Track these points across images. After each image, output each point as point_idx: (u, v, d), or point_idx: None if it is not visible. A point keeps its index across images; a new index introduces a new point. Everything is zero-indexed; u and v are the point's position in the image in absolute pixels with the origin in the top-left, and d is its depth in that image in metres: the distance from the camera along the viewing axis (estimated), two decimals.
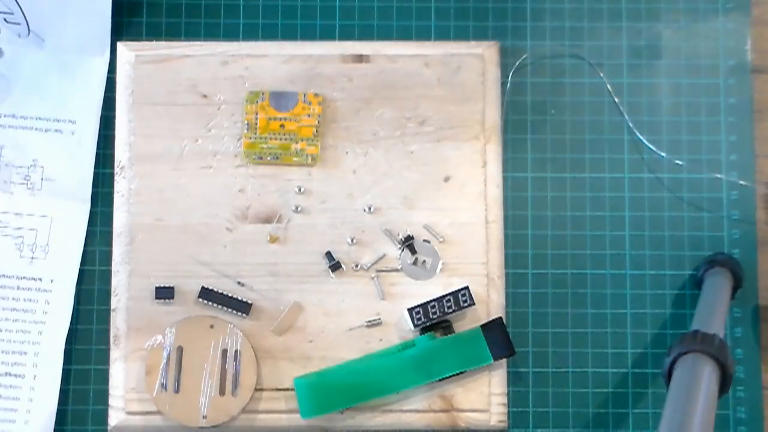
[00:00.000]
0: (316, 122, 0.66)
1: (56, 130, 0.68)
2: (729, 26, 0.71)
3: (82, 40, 0.69)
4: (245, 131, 0.66)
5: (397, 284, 0.66)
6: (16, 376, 0.66)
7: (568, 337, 0.68)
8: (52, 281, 0.67)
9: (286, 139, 0.66)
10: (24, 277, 0.67)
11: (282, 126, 0.66)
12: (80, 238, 0.67)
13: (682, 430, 0.50)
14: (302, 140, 0.66)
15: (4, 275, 0.67)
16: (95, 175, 0.68)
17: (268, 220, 0.67)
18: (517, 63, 0.70)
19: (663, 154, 0.69)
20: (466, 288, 0.65)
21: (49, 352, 0.66)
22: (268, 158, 0.66)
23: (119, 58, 0.68)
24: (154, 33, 0.69)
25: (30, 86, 0.69)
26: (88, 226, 0.68)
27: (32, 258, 0.67)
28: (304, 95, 0.66)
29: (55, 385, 0.66)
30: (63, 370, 0.66)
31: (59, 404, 0.66)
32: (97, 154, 0.69)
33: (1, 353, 0.66)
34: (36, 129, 0.68)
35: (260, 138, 0.66)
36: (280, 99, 0.66)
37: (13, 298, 0.67)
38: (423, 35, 0.70)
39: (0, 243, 0.67)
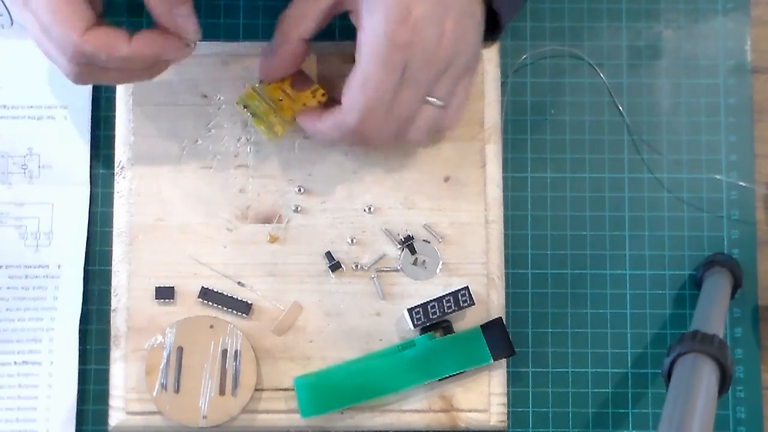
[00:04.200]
0: (299, 109, 0.63)
1: (49, 117, 0.68)
2: (729, 26, 0.71)
3: None
4: (259, 83, 0.64)
5: (397, 284, 0.66)
6: (33, 363, 0.66)
7: (568, 337, 0.68)
8: (59, 267, 0.67)
9: (273, 108, 0.64)
10: (31, 266, 0.67)
11: (281, 99, 0.64)
12: (83, 220, 0.68)
13: (681, 430, 0.50)
14: (281, 117, 0.63)
15: (11, 266, 0.67)
16: (95, 175, 0.69)
17: (268, 220, 0.67)
18: (517, 63, 0.70)
19: (663, 154, 0.69)
20: (466, 288, 0.65)
21: (64, 337, 0.66)
22: (248, 113, 0.64)
23: None
24: None
25: (19, 76, 0.69)
26: (88, 226, 0.68)
27: (37, 246, 0.67)
28: (317, 90, 0.64)
29: (73, 368, 0.66)
30: None
31: None
32: (97, 155, 0.69)
33: (15, 342, 0.66)
34: (29, 117, 0.69)
35: (261, 94, 0.64)
36: (300, 77, 0.64)
37: (23, 288, 0.67)
38: None
39: (4, 234, 0.67)
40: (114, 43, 0.55)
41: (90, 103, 0.69)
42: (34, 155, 0.68)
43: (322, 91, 0.63)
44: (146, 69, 0.59)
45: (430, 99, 0.60)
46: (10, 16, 0.68)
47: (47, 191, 0.68)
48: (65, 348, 0.66)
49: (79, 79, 0.57)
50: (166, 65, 0.60)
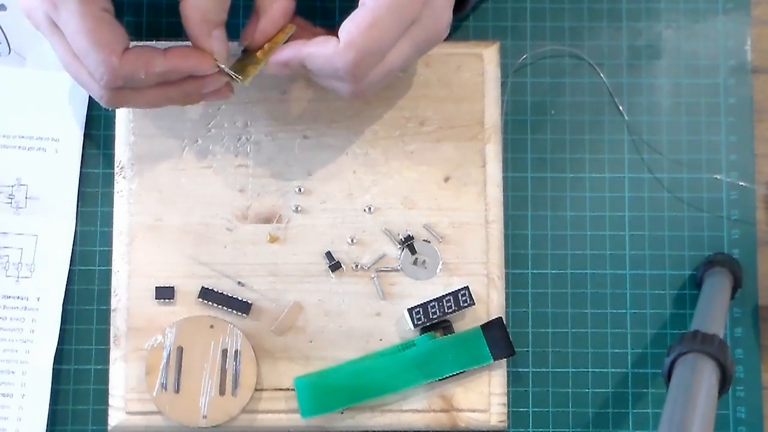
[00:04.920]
0: (269, 46, 0.60)
1: (39, 149, 0.68)
2: (729, 26, 0.71)
3: None
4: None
5: (397, 284, 0.66)
6: (3, 395, 0.66)
7: (568, 337, 0.68)
8: (38, 299, 0.67)
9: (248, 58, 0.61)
10: (10, 296, 0.67)
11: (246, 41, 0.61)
12: (66, 255, 0.67)
13: (681, 430, 0.50)
14: (248, 60, 0.60)
15: None
16: (96, 175, 0.68)
17: (268, 220, 0.67)
18: (517, 63, 0.70)
19: (663, 154, 0.69)
20: (466, 288, 0.65)
21: (37, 370, 0.66)
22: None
23: None
24: (154, 33, 0.69)
25: (12, 104, 0.69)
26: (88, 226, 0.68)
27: (18, 277, 0.67)
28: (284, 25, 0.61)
29: (44, 403, 0.65)
30: (63, 369, 0.66)
31: (59, 404, 0.66)
32: (98, 154, 0.69)
33: None
34: (19, 147, 0.68)
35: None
36: None
37: (0, 317, 0.67)
38: None
39: None
40: (150, 59, 0.56)
41: (82, 138, 0.68)
42: (21, 186, 0.68)
43: (290, 24, 0.60)
44: (178, 93, 0.58)
45: None
46: (8, 44, 0.68)
47: (32, 223, 0.67)
48: (38, 382, 0.66)
49: (112, 101, 0.58)
50: (199, 97, 0.59)
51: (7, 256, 0.67)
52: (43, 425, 0.65)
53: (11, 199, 0.68)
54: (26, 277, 0.67)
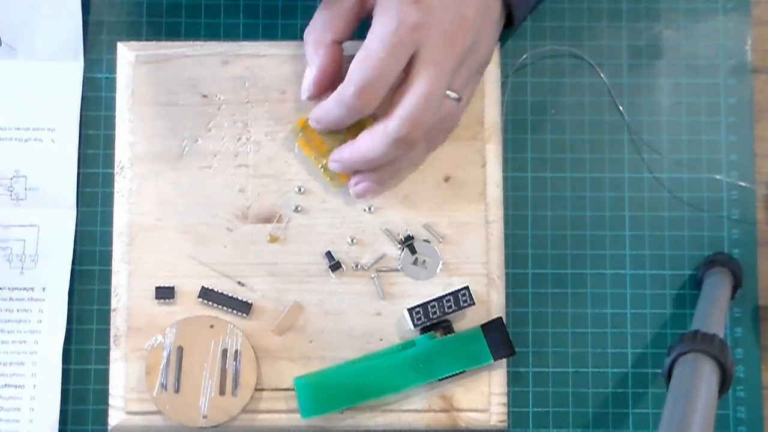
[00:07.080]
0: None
1: (36, 139, 0.68)
2: (729, 26, 0.71)
3: (55, 47, 0.68)
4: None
5: (397, 284, 0.66)
6: (15, 387, 0.66)
7: (568, 337, 0.68)
8: (44, 290, 0.67)
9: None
10: (16, 288, 0.67)
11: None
12: (68, 244, 0.67)
13: (681, 430, 0.50)
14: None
15: None
16: (96, 175, 0.68)
17: (268, 220, 0.67)
18: (517, 63, 0.70)
19: (662, 154, 0.69)
20: (466, 288, 0.65)
21: (47, 360, 0.66)
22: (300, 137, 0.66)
23: (119, 58, 0.68)
24: (154, 33, 0.69)
25: (6, 97, 0.69)
26: (88, 226, 0.68)
27: (22, 268, 0.67)
28: None
29: (55, 392, 0.66)
30: (63, 370, 0.66)
31: (59, 404, 0.66)
32: (98, 155, 0.69)
33: None
34: (16, 139, 0.68)
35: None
36: None
37: (7, 310, 0.67)
38: None
39: None
40: None
41: (78, 127, 0.68)
42: (20, 177, 0.68)
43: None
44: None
45: (448, 92, 0.60)
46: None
47: (33, 214, 0.67)
48: (48, 371, 0.66)
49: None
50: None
51: (10, 248, 0.67)
52: (56, 412, 0.65)
53: (11, 191, 0.68)
54: (30, 268, 0.67)
